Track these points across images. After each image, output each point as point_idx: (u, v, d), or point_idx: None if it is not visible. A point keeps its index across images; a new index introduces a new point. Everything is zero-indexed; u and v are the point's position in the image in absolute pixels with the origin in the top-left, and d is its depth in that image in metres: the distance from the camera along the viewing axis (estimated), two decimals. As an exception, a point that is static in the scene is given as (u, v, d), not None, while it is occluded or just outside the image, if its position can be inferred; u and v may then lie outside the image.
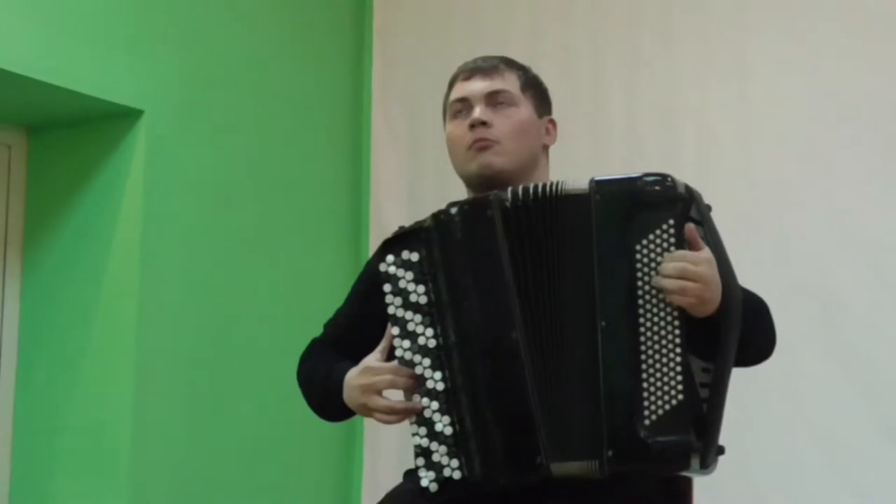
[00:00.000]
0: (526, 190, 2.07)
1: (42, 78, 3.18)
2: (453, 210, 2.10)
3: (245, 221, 3.71)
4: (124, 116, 3.41)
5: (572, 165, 3.56)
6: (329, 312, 3.86)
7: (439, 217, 2.11)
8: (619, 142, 3.69)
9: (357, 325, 2.29)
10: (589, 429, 1.97)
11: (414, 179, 4.00)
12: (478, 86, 2.26)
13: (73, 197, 3.48)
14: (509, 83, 2.27)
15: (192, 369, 3.51)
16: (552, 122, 2.34)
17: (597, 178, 2.04)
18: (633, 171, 2.03)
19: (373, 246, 4.04)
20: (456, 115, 2.28)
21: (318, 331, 3.83)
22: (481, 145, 2.22)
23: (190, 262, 3.53)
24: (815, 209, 3.41)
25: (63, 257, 3.47)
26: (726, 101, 3.57)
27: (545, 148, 2.32)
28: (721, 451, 2.01)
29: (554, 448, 1.99)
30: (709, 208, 2.08)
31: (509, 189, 2.08)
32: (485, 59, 2.32)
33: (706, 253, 1.98)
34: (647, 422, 1.94)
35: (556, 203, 2.05)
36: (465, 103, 2.26)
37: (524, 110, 2.26)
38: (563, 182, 2.06)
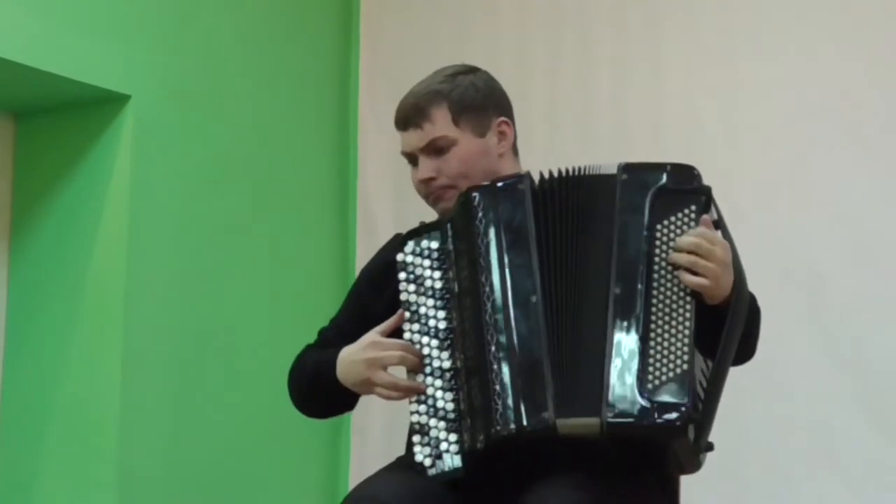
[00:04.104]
0: (558, 171, 2.15)
1: (29, 63, 3.17)
2: (485, 183, 2.17)
3: (232, 206, 3.71)
4: (111, 101, 3.41)
5: (559, 151, 3.61)
6: (315, 298, 3.91)
7: (469, 192, 2.16)
8: (606, 128, 3.68)
9: (360, 326, 2.25)
10: (594, 389, 2.01)
11: (401, 165, 3.96)
12: (413, 139, 2.30)
13: (61, 182, 3.47)
14: (440, 125, 2.27)
15: (179, 355, 3.51)
16: (503, 123, 2.32)
17: (625, 162, 2.12)
18: (661, 160, 2.13)
19: (360, 231, 4.05)
20: (409, 162, 2.35)
21: (304, 315, 3.86)
22: (436, 198, 2.30)
23: (177, 248, 3.52)
24: (801, 197, 3.41)
25: (50, 243, 3.46)
26: (713, 88, 3.57)
27: (502, 155, 2.32)
28: (710, 447, 2.05)
29: (560, 404, 2.01)
30: None
31: (539, 171, 2.17)
32: (414, 97, 2.31)
33: (722, 239, 2.06)
34: (649, 385, 1.98)
35: (585, 181, 2.13)
36: (410, 156, 2.33)
37: (464, 145, 2.28)
38: (592, 165, 2.15)
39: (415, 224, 2.25)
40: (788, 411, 3.34)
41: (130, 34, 3.44)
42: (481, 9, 3.97)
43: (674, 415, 1.96)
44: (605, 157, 2.19)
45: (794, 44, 3.48)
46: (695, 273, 2.01)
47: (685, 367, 1.98)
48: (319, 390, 2.29)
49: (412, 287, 2.17)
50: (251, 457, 3.68)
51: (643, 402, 1.97)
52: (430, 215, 2.43)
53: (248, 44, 3.81)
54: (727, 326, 2.02)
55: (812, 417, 3.31)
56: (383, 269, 2.32)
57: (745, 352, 2.16)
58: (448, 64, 2.40)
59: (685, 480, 2.28)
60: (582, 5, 3.79)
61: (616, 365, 2.00)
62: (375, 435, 3.77)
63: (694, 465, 2.10)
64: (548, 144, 3.69)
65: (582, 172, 2.13)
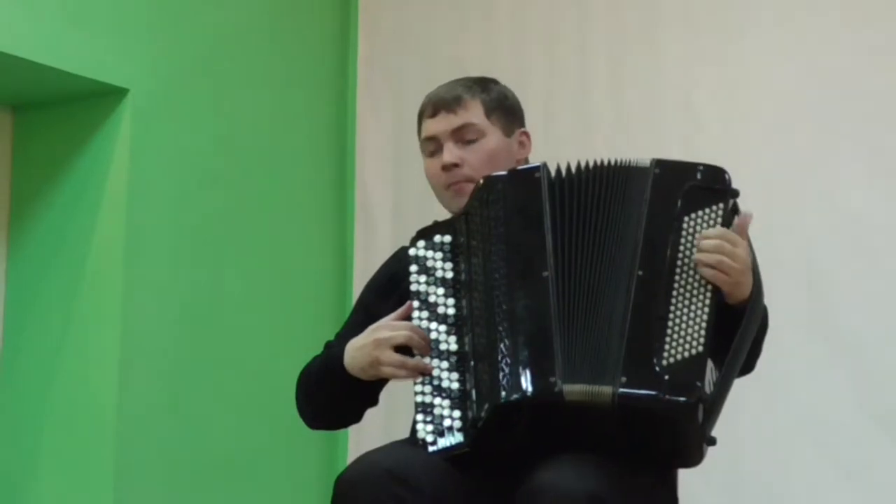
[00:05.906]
0: (579, 162, 2.16)
1: (27, 56, 3.17)
2: (503, 172, 2.20)
3: (230, 199, 3.71)
4: (109, 95, 3.41)
5: (556, 147, 3.61)
6: (313, 292, 3.91)
7: (485, 179, 2.19)
8: (603, 122, 3.68)
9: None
10: (607, 359, 2.02)
11: (399, 156, 3.99)
12: (443, 123, 2.32)
13: (58, 176, 3.47)
14: (473, 114, 2.32)
15: (177, 347, 3.51)
16: (524, 133, 2.39)
17: (657, 158, 2.16)
18: (660, 155, 2.17)
19: (358, 223, 4.05)
20: (429, 153, 2.36)
21: (302, 310, 3.87)
22: (456, 189, 2.31)
23: (174, 241, 3.52)
24: (799, 188, 3.40)
25: (48, 237, 3.46)
26: (711, 82, 3.57)
27: (519, 162, 2.36)
28: (713, 441, 2.05)
29: (568, 371, 2.02)
30: None
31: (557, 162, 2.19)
32: (448, 88, 2.35)
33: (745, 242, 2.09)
34: (664, 362, 2.00)
35: (614, 171, 2.15)
36: (435, 142, 2.34)
37: (492, 139, 2.32)
38: (622, 158, 2.17)
39: (411, 216, 2.26)
40: (785, 401, 3.34)
41: (128, 28, 3.43)
42: (479, 2, 3.97)
43: (686, 392, 1.98)
44: (602, 152, 2.20)
45: (795, 37, 3.47)
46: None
47: (700, 349, 2.01)
48: (327, 386, 2.28)
49: (423, 278, 2.19)
50: (247, 455, 3.67)
51: (656, 376, 1.98)
52: (429, 208, 2.43)
53: (246, 37, 3.81)
54: (744, 323, 2.04)
55: (811, 413, 3.30)
56: (388, 278, 2.36)
57: (747, 363, 2.16)
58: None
59: (683, 475, 2.28)
60: (579, -1, 3.79)
61: (632, 338, 2.02)
62: (373, 434, 3.76)
63: (697, 456, 2.10)
64: (544, 138, 3.68)
65: (612, 162, 2.16)
